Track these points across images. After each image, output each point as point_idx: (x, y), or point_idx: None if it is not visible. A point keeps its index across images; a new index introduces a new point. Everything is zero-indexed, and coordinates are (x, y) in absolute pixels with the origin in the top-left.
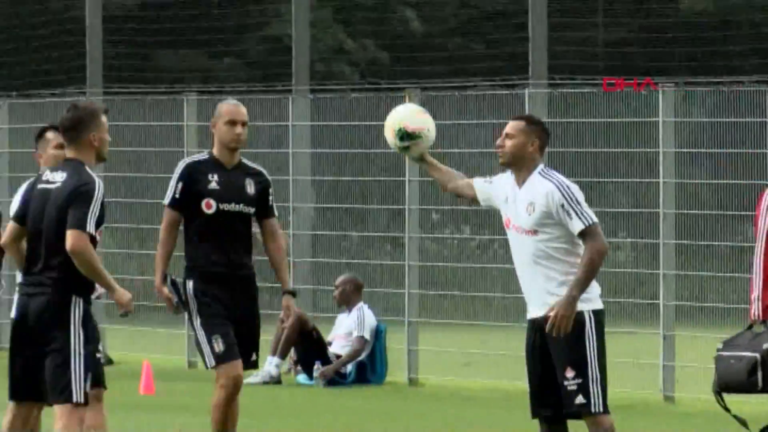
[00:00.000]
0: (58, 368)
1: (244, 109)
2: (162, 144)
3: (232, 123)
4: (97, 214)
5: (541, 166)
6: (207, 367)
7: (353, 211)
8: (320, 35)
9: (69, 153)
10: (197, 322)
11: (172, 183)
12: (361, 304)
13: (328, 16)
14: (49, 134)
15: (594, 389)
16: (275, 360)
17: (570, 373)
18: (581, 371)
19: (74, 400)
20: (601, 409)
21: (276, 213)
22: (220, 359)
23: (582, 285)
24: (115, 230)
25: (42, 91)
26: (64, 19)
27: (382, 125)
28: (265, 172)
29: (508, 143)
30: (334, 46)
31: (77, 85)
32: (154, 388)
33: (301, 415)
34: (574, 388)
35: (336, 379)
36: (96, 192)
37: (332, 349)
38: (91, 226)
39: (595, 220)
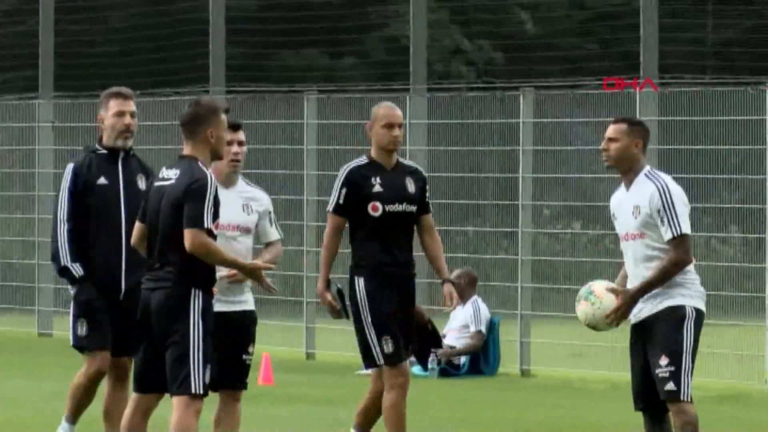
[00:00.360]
0: (178, 360)
1: (400, 112)
2: (283, 142)
3: (390, 126)
4: (212, 209)
5: (647, 168)
6: (366, 367)
7: (468, 206)
8: (437, 36)
9: (186, 149)
10: (368, 320)
11: (336, 189)
12: (475, 297)
13: (445, 17)
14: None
15: (685, 378)
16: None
17: (664, 361)
18: (675, 360)
19: (192, 391)
20: (688, 399)
21: (431, 209)
22: (390, 360)
23: (649, 288)
24: None
25: (166, 90)
26: (189, 20)
27: (497, 123)
28: (420, 168)
29: (612, 146)
30: (450, 47)
31: (201, 84)
32: (273, 380)
33: (416, 405)
34: (666, 375)
35: (450, 371)
36: (209, 187)
37: (446, 341)
38: (208, 222)
39: (685, 231)
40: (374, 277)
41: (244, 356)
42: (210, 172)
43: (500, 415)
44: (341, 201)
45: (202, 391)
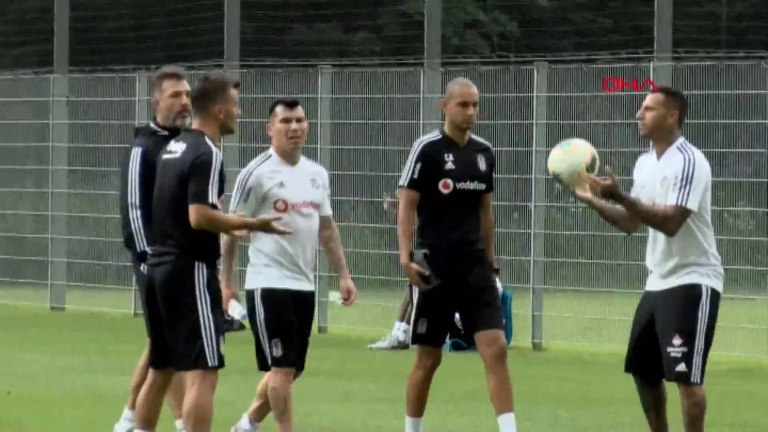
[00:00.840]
0: (189, 335)
1: (475, 90)
2: None
3: (464, 104)
4: (217, 183)
5: (680, 140)
6: (409, 343)
7: None
8: (452, 9)
9: (194, 123)
10: (414, 299)
11: (410, 163)
12: None
13: None
14: (278, 108)
15: (697, 360)
16: (403, 325)
17: (677, 341)
18: (688, 340)
19: (209, 364)
20: (699, 380)
21: (493, 187)
22: (421, 340)
23: (632, 206)
24: None
25: (180, 64)
26: None
27: (511, 97)
28: (490, 146)
29: (648, 115)
30: (465, 20)
31: (214, 59)
32: None
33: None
34: (678, 355)
35: (462, 344)
36: (214, 161)
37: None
38: (213, 196)
39: (688, 206)
40: (442, 256)
41: (307, 336)
42: (216, 147)
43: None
44: (416, 175)
45: (217, 363)
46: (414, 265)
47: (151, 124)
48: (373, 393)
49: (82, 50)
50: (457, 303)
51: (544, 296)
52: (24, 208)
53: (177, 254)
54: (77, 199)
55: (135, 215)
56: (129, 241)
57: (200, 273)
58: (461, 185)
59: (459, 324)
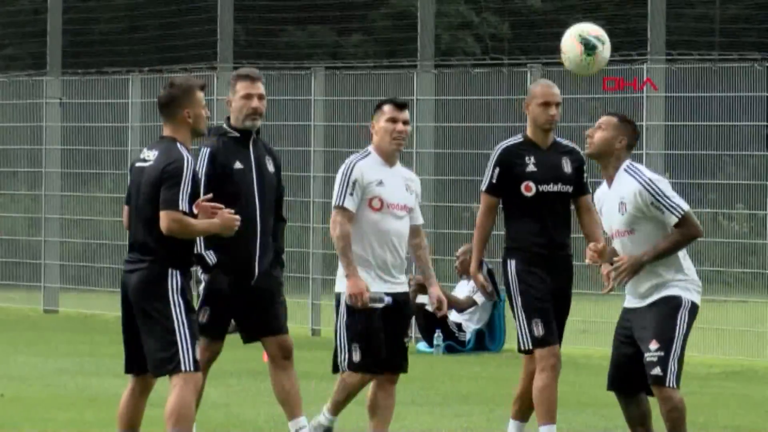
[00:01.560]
0: (164, 340)
1: (557, 90)
2: (290, 118)
3: (546, 105)
4: (188, 190)
5: (627, 162)
6: (519, 349)
7: (476, 182)
8: (445, 11)
9: (165, 130)
10: (518, 302)
11: (489, 168)
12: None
13: None
14: (386, 107)
15: (672, 365)
16: None
17: (654, 345)
18: (665, 345)
19: (183, 369)
20: (674, 385)
21: (590, 189)
22: (539, 343)
23: (657, 255)
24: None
25: (173, 67)
26: None
27: (504, 99)
28: (578, 148)
29: (597, 134)
30: (457, 22)
31: (208, 61)
32: None
33: (421, 381)
34: (654, 359)
35: (455, 347)
36: (185, 168)
37: (451, 318)
38: (183, 204)
39: (686, 208)
40: (525, 259)
41: (405, 339)
42: (186, 153)
43: (505, 391)
44: (494, 180)
45: (193, 368)
46: (480, 277)
47: (224, 125)
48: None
49: (75, 52)
50: (554, 305)
51: None
52: (17, 211)
53: (150, 261)
54: (70, 201)
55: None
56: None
57: (174, 280)
58: (544, 188)
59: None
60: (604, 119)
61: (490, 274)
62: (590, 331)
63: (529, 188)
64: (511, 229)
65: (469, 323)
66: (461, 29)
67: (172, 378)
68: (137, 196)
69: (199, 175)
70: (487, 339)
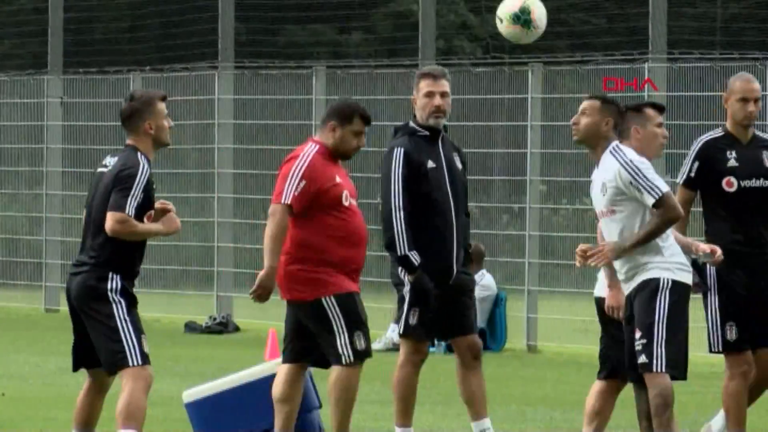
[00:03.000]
0: (110, 340)
1: (757, 86)
2: (291, 117)
3: (744, 100)
4: (138, 197)
5: (614, 144)
6: (710, 350)
7: (476, 182)
8: (444, 11)
9: (129, 140)
10: (714, 301)
11: (688, 161)
12: (483, 271)
13: None
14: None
15: (658, 350)
16: (398, 328)
17: (638, 334)
18: (647, 332)
19: (130, 363)
20: (662, 369)
21: None
22: (731, 347)
23: (639, 241)
24: (244, 201)
25: (175, 66)
26: None
27: (505, 98)
28: None
29: (583, 120)
30: (456, 22)
31: (209, 60)
32: (280, 355)
33: (422, 379)
34: (639, 347)
35: None
36: (138, 175)
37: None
38: (130, 209)
39: (665, 190)
40: (725, 258)
41: None
42: (144, 161)
43: (506, 391)
44: (692, 174)
45: (140, 362)
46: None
47: (411, 123)
48: (367, 395)
49: (76, 51)
50: (754, 307)
51: (538, 298)
52: (18, 210)
53: (92, 265)
54: (71, 200)
55: (398, 217)
56: (390, 245)
57: (113, 283)
58: (746, 183)
59: None
60: (586, 104)
61: (695, 265)
62: (591, 330)
63: (730, 184)
64: (710, 225)
65: None
66: (462, 29)
67: (121, 376)
68: (91, 201)
69: (396, 175)
70: (489, 338)
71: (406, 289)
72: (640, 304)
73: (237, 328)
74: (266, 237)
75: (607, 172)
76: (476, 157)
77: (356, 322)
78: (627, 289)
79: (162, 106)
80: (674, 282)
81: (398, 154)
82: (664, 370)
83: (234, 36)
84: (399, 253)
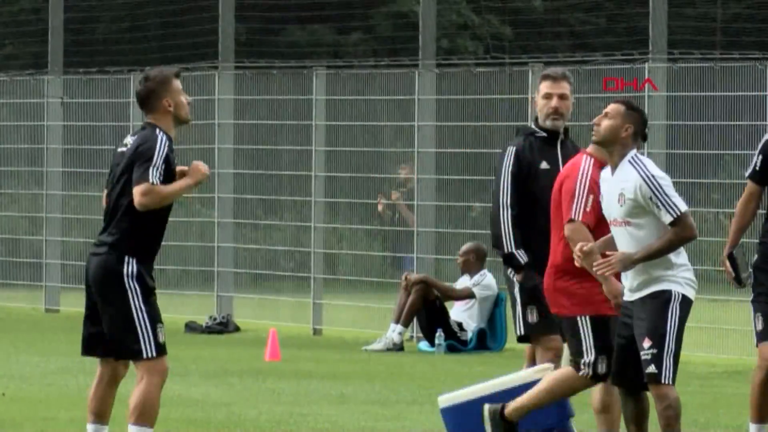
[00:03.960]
0: (124, 328)
1: None
2: (291, 117)
3: None
4: (160, 167)
5: (632, 153)
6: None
7: (477, 182)
8: (445, 11)
9: (147, 118)
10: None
11: (755, 155)
12: (484, 271)
13: None
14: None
15: (667, 361)
16: (398, 327)
17: (647, 343)
18: (658, 342)
19: (144, 356)
20: (670, 381)
21: None
22: (761, 337)
23: (650, 255)
24: (244, 201)
25: (175, 66)
26: None
27: (505, 99)
28: None
29: (605, 122)
30: (458, 22)
31: (209, 60)
32: (280, 355)
33: (423, 380)
34: (648, 357)
35: (457, 346)
36: (157, 148)
37: (453, 317)
38: (153, 177)
39: (684, 209)
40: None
41: None
42: (162, 135)
43: None
44: (757, 167)
45: (154, 354)
46: (727, 264)
47: (531, 124)
48: (369, 395)
49: (76, 52)
50: None
51: None
52: (18, 210)
53: (109, 246)
54: (71, 201)
55: (506, 215)
56: (497, 242)
57: (129, 267)
58: None
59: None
60: (611, 107)
61: (730, 258)
62: None
63: None
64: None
65: (469, 321)
66: (463, 29)
67: (136, 367)
68: (111, 181)
69: (506, 174)
70: (489, 338)
71: (516, 289)
72: (651, 313)
73: (237, 328)
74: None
75: (626, 183)
76: (476, 157)
77: (601, 348)
78: (631, 297)
79: (177, 82)
80: (683, 296)
81: (510, 153)
82: (670, 382)
83: (234, 36)
84: (505, 251)
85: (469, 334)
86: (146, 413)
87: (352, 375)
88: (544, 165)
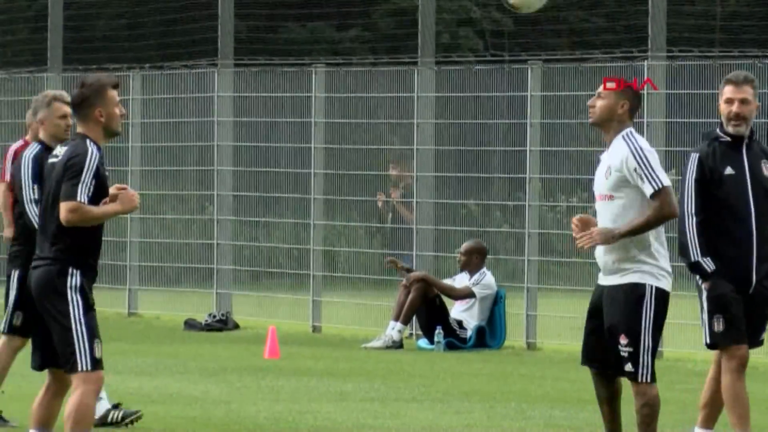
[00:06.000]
0: (62, 340)
1: None
2: (291, 115)
3: None
4: (89, 183)
5: (627, 130)
6: None
7: (475, 179)
8: (446, 5)
9: (79, 128)
10: None
11: None
12: (483, 270)
13: None
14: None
15: (644, 359)
16: (398, 325)
17: (624, 340)
18: (634, 340)
19: (79, 369)
20: (648, 379)
21: None
22: None
23: (631, 231)
24: (243, 198)
25: (175, 63)
26: None
27: (504, 96)
28: None
29: (599, 103)
30: (459, 15)
31: (208, 58)
32: (279, 353)
33: (422, 378)
34: (625, 355)
35: (456, 344)
36: (87, 162)
37: (452, 315)
38: (81, 196)
39: (666, 183)
40: None
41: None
42: (93, 148)
43: (506, 388)
44: None
45: (90, 367)
46: None
47: (717, 129)
48: (368, 392)
49: (76, 49)
50: None
51: (538, 296)
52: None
53: (52, 259)
54: None
55: (690, 223)
56: (683, 250)
57: (73, 279)
58: None
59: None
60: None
61: None
62: None
63: None
64: None
65: (469, 319)
66: (462, 26)
67: (72, 377)
68: (46, 194)
69: (690, 182)
70: (488, 336)
71: (704, 297)
72: (625, 307)
73: (236, 326)
74: None
75: (615, 157)
76: (475, 155)
77: None
78: (605, 281)
79: (113, 93)
80: (658, 290)
81: (693, 160)
82: (649, 380)
83: (234, 34)
84: (691, 259)
85: (469, 332)
86: (81, 421)
87: (351, 372)
88: (728, 170)
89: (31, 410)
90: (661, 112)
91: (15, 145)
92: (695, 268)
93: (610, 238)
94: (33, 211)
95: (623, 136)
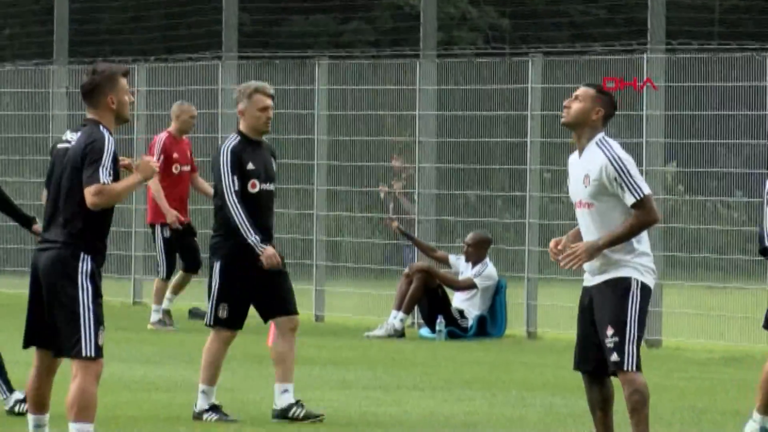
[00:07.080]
0: (68, 324)
1: None
2: (294, 107)
3: None
4: (109, 167)
5: (600, 135)
6: None
7: (477, 171)
8: (443, 5)
9: (89, 114)
10: None
11: None
12: (486, 260)
13: None
14: None
15: (629, 348)
16: (399, 314)
17: (609, 331)
18: (619, 331)
19: (83, 354)
20: (633, 368)
21: None
22: None
23: (613, 241)
24: None
25: (179, 56)
26: None
27: (505, 89)
28: None
29: (574, 105)
30: (456, 14)
31: (213, 50)
32: None
33: (424, 366)
34: (611, 345)
35: (457, 333)
36: (105, 147)
37: (454, 304)
38: (104, 177)
39: (647, 192)
40: None
41: None
42: (107, 133)
43: (507, 377)
44: None
45: (93, 354)
46: None
47: None
48: (370, 381)
49: (81, 41)
50: None
51: (538, 285)
52: (24, 199)
53: (63, 243)
54: None
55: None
56: (760, 238)
57: (84, 264)
58: None
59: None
60: (581, 90)
61: (766, 253)
62: None
63: None
64: None
65: (471, 309)
66: (460, 21)
67: (73, 364)
68: (60, 177)
69: None
70: (489, 325)
71: None
72: (611, 300)
73: None
74: None
75: (592, 164)
76: (477, 146)
77: None
78: (590, 282)
79: (124, 81)
80: (643, 284)
81: None
82: (634, 369)
83: (238, 26)
84: (766, 244)
85: (470, 321)
86: (84, 409)
87: (353, 361)
88: None
89: (27, 394)
90: (660, 105)
91: (161, 136)
92: (766, 253)
93: (594, 253)
94: (234, 203)
95: (597, 143)
